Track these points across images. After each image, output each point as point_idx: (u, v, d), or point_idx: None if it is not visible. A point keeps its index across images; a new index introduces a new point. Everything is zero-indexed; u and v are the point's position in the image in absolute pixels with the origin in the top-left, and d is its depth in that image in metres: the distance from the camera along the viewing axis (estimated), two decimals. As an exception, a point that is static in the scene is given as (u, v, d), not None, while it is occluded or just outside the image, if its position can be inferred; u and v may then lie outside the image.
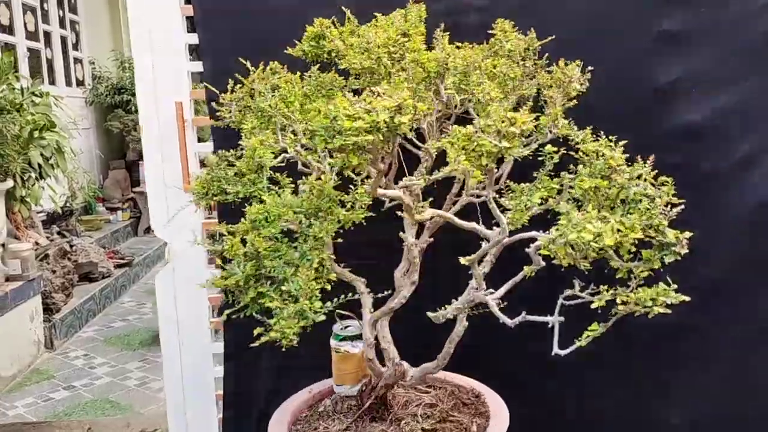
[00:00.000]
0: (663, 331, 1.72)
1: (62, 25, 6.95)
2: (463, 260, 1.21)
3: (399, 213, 1.35)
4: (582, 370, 1.67)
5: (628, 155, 1.15)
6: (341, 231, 1.16)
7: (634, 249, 1.05)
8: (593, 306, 1.08)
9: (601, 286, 1.10)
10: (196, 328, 1.92)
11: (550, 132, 1.27)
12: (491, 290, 1.26)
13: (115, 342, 4.21)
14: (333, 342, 1.58)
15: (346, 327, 1.57)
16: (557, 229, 1.03)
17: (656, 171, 1.13)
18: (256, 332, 1.01)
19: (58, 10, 6.83)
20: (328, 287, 1.07)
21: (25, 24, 6.02)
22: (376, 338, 1.42)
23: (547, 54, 1.54)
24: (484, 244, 1.27)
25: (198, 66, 1.82)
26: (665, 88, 1.70)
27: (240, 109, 1.46)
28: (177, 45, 1.80)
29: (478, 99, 1.30)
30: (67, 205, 5.44)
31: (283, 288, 0.98)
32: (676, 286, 1.06)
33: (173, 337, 1.91)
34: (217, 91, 1.52)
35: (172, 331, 1.91)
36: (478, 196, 1.40)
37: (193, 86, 1.87)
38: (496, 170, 1.31)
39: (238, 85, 1.47)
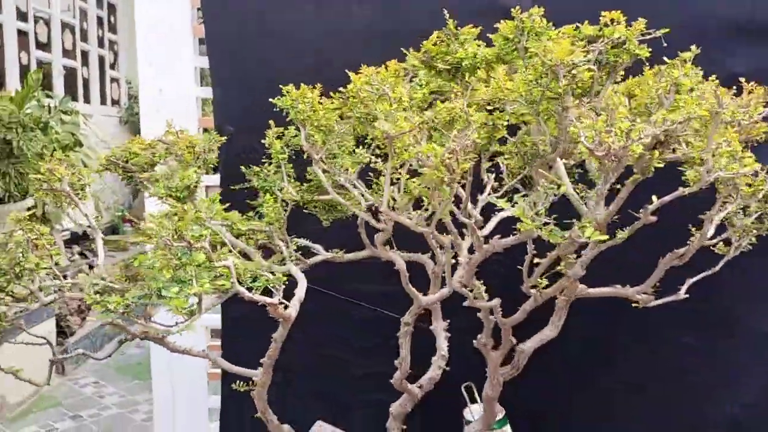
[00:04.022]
0: None
1: (101, 44, 6.97)
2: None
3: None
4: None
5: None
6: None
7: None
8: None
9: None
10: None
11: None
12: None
13: (127, 371, 4.06)
14: None
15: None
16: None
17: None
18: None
19: (97, 30, 6.86)
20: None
21: (62, 42, 6.03)
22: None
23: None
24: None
25: (209, 92, 1.67)
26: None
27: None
28: (186, 68, 1.66)
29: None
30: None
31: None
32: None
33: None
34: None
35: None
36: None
37: (203, 113, 1.73)
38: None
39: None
